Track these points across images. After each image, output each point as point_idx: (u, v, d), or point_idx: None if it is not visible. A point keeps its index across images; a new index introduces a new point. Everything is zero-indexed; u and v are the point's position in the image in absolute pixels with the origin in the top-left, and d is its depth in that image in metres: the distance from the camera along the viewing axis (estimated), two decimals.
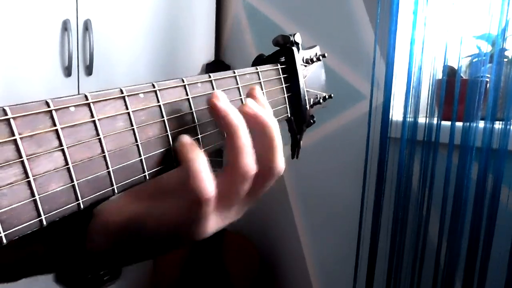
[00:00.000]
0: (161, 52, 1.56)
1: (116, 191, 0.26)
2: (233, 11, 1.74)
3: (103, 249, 0.34)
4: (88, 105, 0.24)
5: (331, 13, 1.42)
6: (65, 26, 1.30)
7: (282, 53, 0.44)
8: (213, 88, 0.34)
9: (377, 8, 1.27)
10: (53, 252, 0.35)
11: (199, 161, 0.29)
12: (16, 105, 0.21)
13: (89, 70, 1.37)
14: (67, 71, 1.33)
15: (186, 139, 0.31)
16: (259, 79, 0.40)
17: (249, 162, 0.32)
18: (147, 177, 0.28)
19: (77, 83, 1.36)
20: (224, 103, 0.32)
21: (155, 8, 1.52)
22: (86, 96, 0.24)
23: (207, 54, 1.71)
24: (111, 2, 1.40)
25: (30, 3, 1.23)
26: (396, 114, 1.28)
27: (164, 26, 1.56)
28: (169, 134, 0.30)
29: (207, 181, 0.29)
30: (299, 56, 0.45)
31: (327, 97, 0.50)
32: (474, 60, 1.20)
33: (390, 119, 1.27)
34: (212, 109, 0.32)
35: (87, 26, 1.35)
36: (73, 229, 0.34)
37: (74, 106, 0.23)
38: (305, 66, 0.46)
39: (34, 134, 0.22)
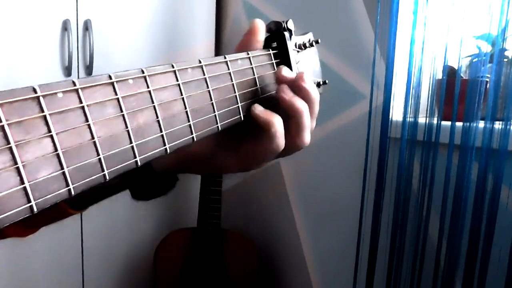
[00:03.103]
0: (161, 52, 1.56)
1: (107, 177, 0.26)
2: (233, 11, 1.74)
3: (166, 168, 0.43)
4: (76, 91, 0.24)
5: (331, 13, 1.42)
6: (65, 26, 1.31)
7: (274, 39, 0.44)
8: (204, 74, 0.34)
9: (377, 8, 1.27)
10: (126, 177, 0.42)
11: (280, 122, 0.38)
12: (3, 91, 0.21)
13: (89, 70, 1.37)
14: (67, 71, 1.33)
15: (261, 107, 0.39)
16: (251, 64, 0.40)
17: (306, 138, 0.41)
18: (139, 163, 0.28)
19: None
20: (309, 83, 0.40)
21: (155, 8, 1.53)
22: (74, 82, 0.24)
23: (207, 54, 1.71)
24: (111, 2, 1.41)
25: (30, 3, 1.23)
26: (396, 114, 1.28)
27: (164, 26, 1.56)
28: (160, 120, 0.30)
29: (283, 136, 0.39)
30: (292, 41, 0.44)
31: (321, 82, 0.49)
32: (474, 60, 1.20)
33: (390, 119, 1.26)
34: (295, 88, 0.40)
35: (87, 26, 1.35)
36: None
37: (62, 92, 0.23)
38: (298, 51, 0.46)
39: (22, 121, 0.21)
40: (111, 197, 0.45)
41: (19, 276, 1.34)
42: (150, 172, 0.42)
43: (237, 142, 0.42)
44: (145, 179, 0.42)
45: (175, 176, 0.45)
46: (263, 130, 0.38)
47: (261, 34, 0.42)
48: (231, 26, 1.76)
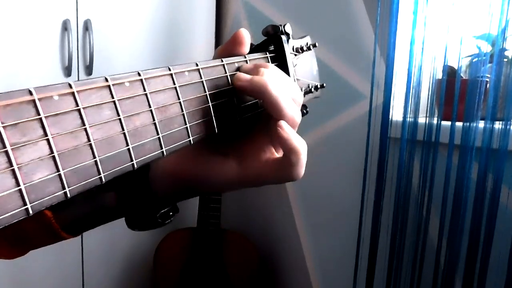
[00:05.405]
0: (161, 52, 1.56)
1: (103, 180, 0.26)
2: (233, 11, 1.74)
3: (167, 191, 0.39)
4: (72, 94, 0.24)
5: (331, 13, 1.42)
6: (65, 26, 1.31)
7: (271, 42, 0.44)
8: (201, 77, 0.34)
9: (377, 8, 1.27)
10: (124, 198, 0.39)
11: (305, 151, 0.35)
12: None
13: (89, 70, 1.38)
14: (67, 71, 1.33)
15: (287, 129, 0.35)
16: None
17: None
18: (135, 166, 0.28)
19: None
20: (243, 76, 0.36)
21: (155, 8, 1.53)
22: (70, 85, 0.24)
23: (207, 54, 1.71)
24: (111, 2, 1.41)
25: (30, 3, 1.23)
26: (396, 114, 1.28)
27: (164, 26, 1.56)
28: (157, 123, 0.30)
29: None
30: (289, 45, 0.44)
31: (319, 86, 0.49)
32: (474, 60, 1.20)
33: (390, 119, 1.26)
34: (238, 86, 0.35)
35: (87, 26, 1.35)
36: (137, 176, 0.39)
37: (58, 95, 0.23)
38: (295, 55, 0.46)
39: (18, 123, 0.21)
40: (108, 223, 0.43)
41: (19, 276, 1.34)
42: (150, 199, 0.39)
43: (237, 146, 0.38)
44: (143, 207, 0.39)
45: (175, 207, 0.41)
46: (286, 155, 0.35)
47: (247, 46, 0.39)
48: (231, 26, 1.76)
